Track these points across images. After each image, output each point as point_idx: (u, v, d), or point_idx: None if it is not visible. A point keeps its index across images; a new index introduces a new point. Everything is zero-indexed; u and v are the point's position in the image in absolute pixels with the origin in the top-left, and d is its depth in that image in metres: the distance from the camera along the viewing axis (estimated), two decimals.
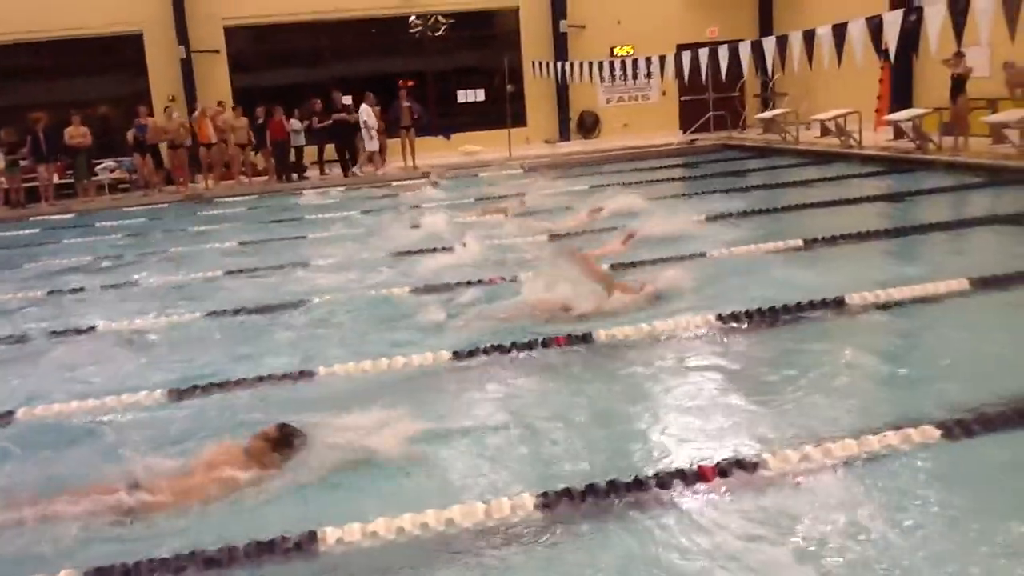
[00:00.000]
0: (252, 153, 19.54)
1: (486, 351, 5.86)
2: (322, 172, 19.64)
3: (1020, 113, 13.35)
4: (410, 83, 20.57)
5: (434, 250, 9.75)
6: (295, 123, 19.11)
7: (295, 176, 19.26)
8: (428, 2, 22.92)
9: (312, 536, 3.57)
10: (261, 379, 5.63)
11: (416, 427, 4.56)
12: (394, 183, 18.01)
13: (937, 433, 4.10)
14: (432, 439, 4.52)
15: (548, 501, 3.71)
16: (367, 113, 18.95)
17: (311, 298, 7.77)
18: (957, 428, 4.13)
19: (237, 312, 7.55)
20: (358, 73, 22.26)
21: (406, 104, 19.60)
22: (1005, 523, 3.40)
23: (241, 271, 9.58)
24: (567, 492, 3.76)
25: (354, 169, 19.28)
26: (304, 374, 5.69)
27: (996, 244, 8.45)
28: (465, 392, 5.30)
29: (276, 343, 6.67)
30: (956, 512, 3.54)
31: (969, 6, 10.47)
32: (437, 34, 23.53)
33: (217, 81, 21.82)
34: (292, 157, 19.38)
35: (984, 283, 6.62)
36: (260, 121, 18.99)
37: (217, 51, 21.94)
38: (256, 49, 22.84)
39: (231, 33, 22.20)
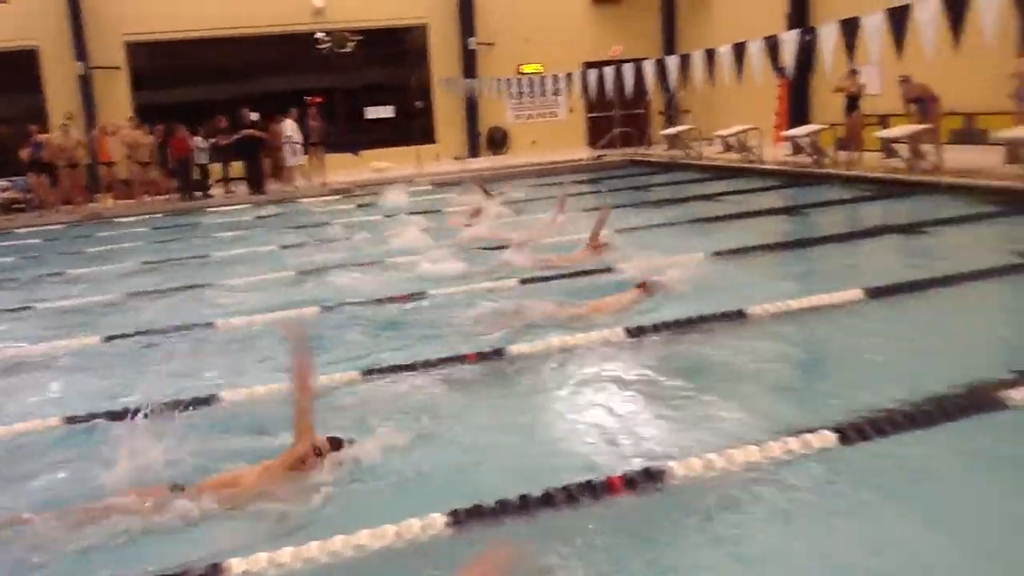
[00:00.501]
0: (155, 171, 19.06)
1: (395, 369, 5.81)
2: (227, 190, 19.26)
3: (909, 129, 13.95)
4: (318, 100, 20.37)
5: (348, 267, 9.69)
6: (199, 140, 18.71)
7: (199, 194, 18.84)
8: (336, 19, 22.76)
9: (216, 568, 3.47)
10: (165, 405, 5.46)
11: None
12: (303, 200, 17.80)
13: (834, 437, 4.22)
14: (336, 462, 4.46)
15: (459, 519, 3.69)
16: (292, 128, 18.72)
17: (216, 319, 7.60)
18: (852, 432, 4.26)
19: (137, 334, 7.33)
20: (265, 89, 21.95)
21: (313, 122, 19.41)
22: (896, 523, 3.54)
23: (144, 292, 9.32)
24: (478, 509, 3.75)
25: (277, 185, 19.02)
26: (210, 398, 5.54)
27: (888, 255, 8.79)
28: (371, 411, 5.24)
29: (179, 366, 6.49)
30: (852, 513, 3.66)
31: (859, 27, 10.91)
32: (345, 51, 23.39)
33: (118, 98, 21.25)
34: (196, 175, 18.96)
35: (877, 292, 6.88)
36: (160, 139, 18.54)
37: (118, 67, 21.36)
38: (160, 65, 22.31)
39: (133, 49, 21.66)
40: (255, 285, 9.29)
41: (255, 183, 18.89)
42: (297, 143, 18.95)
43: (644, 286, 7.16)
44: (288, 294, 8.71)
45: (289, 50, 23.10)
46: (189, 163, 18.72)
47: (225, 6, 21.47)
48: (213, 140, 18.80)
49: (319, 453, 4.23)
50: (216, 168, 19.32)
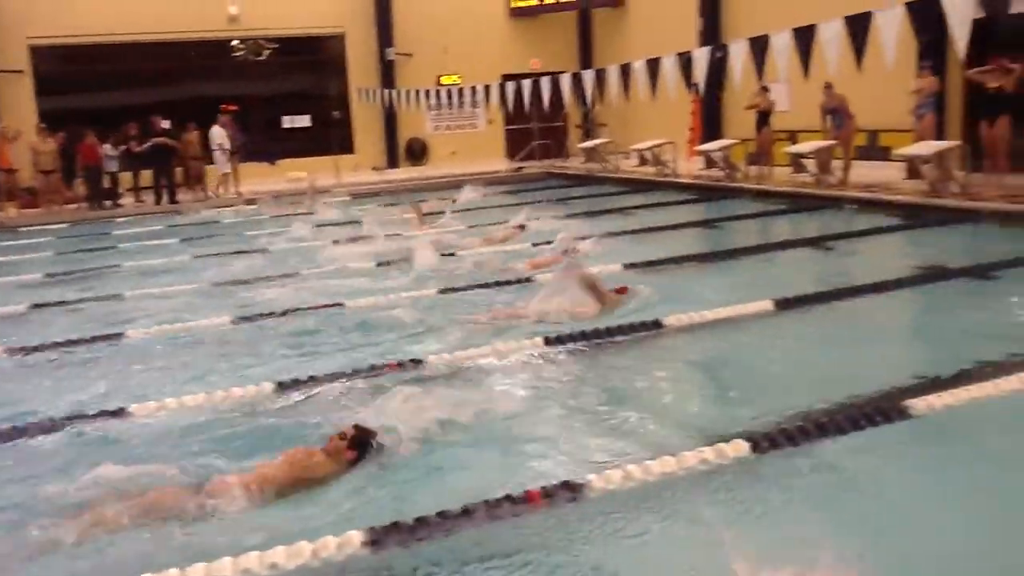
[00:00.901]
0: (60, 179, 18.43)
1: (312, 381, 5.73)
2: (138, 199, 18.75)
3: (817, 144, 14.41)
4: (232, 108, 20.02)
5: (265, 279, 9.56)
6: (108, 148, 18.17)
7: (108, 204, 18.29)
8: (252, 26, 22.41)
9: None
10: (70, 418, 5.29)
11: (231, 466, 4.41)
12: (217, 210, 17.45)
13: (747, 446, 4.31)
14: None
15: (376, 537, 3.65)
16: (220, 136, 18.36)
17: (126, 331, 7.39)
18: (764, 441, 4.36)
19: (41, 348, 7.08)
20: (178, 97, 21.48)
21: (227, 130, 19.03)
22: (807, 529, 3.64)
23: (49, 304, 9.00)
24: (395, 526, 3.71)
25: (190, 195, 18.59)
26: (119, 412, 5.38)
27: (797, 267, 9.04)
28: (287, 425, 5.16)
29: (86, 380, 6.29)
30: (766, 520, 3.75)
31: (768, 45, 11.24)
32: (261, 58, 23.04)
33: (21, 103, 20.52)
34: (106, 183, 18.41)
35: (786, 304, 7.08)
36: (62, 146, 17.94)
37: (21, 71, 20.61)
38: (67, 70, 21.63)
39: (38, 52, 20.96)
40: (167, 296, 9.07)
41: (167, 192, 18.42)
42: (227, 150, 18.60)
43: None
44: (201, 306, 8.53)
45: (203, 57, 22.65)
46: (99, 171, 18.15)
47: (136, 10, 20.94)
48: (124, 147, 18.26)
49: (344, 438, 4.43)
50: (126, 177, 18.79)
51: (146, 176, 18.78)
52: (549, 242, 10.06)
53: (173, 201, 18.29)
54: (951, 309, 7.13)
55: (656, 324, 6.65)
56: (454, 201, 14.91)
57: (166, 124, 19.02)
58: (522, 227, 11.52)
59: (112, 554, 3.76)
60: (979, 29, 9.22)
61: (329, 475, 4.32)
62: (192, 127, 18.99)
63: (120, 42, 21.24)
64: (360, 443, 4.46)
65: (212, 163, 19.17)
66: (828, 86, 13.52)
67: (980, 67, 11.79)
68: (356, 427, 4.53)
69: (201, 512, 3.98)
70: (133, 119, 18.75)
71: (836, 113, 14.09)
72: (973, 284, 7.70)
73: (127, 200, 18.71)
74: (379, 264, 10.13)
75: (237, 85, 22.72)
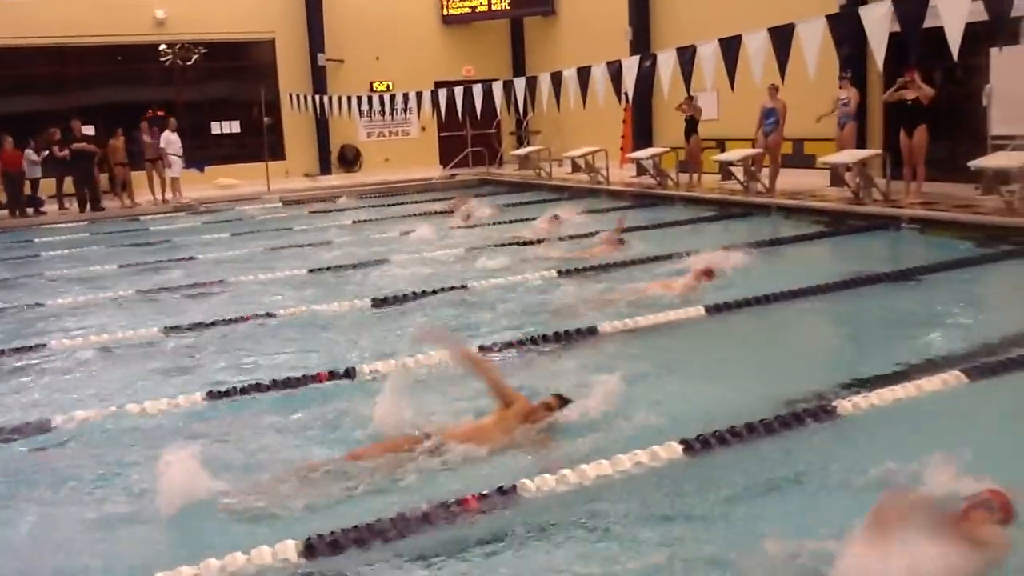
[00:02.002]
0: None
1: (243, 391, 5.67)
2: (61, 206, 18.22)
3: (745, 152, 14.72)
4: (159, 113, 19.61)
5: (191, 287, 9.41)
6: (30, 154, 17.61)
7: (31, 211, 17.75)
8: (179, 31, 22.00)
9: None
10: None
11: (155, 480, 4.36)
12: (143, 217, 17.11)
13: (680, 449, 4.40)
14: (188, 490, 4.31)
15: (312, 545, 3.63)
16: (166, 141, 18.08)
17: (48, 342, 7.21)
18: (697, 444, 4.45)
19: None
20: (102, 101, 20.98)
21: (147, 138, 18.61)
22: (740, 529, 3.73)
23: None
24: (332, 535, 3.69)
25: (116, 202, 18.16)
26: (40, 424, 5.25)
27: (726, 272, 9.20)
28: (220, 436, 5.10)
29: (5, 391, 6.14)
30: (697, 521, 3.83)
31: (696, 54, 11.45)
32: (189, 63, 22.65)
33: None
34: (28, 190, 17.85)
35: (717, 309, 7.23)
36: None
37: None
38: None
39: None
40: (92, 305, 8.87)
41: (91, 200, 17.95)
42: (177, 155, 18.24)
43: (707, 273, 7.94)
44: (126, 315, 8.37)
45: (129, 61, 22.16)
46: (20, 178, 17.58)
47: (59, 13, 20.34)
48: (46, 153, 17.73)
49: (550, 408, 4.87)
50: (49, 184, 18.25)
51: (70, 182, 18.23)
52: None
53: (97, 208, 17.84)
54: (873, 313, 7.34)
55: (592, 330, 6.74)
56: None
57: (88, 129, 18.56)
58: (557, 217, 12.14)
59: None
60: (896, 43, 9.55)
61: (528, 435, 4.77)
62: (118, 133, 18.56)
63: (42, 45, 20.63)
64: (561, 406, 4.93)
65: (140, 169, 18.77)
66: (774, 88, 13.79)
67: (895, 84, 12.22)
68: (557, 395, 5.00)
69: (431, 456, 4.49)
70: (55, 124, 18.24)
71: (772, 116, 14.39)
72: (894, 288, 7.95)
73: (51, 207, 18.15)
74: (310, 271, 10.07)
75: (165, 90, 22.28)
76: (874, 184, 12.40)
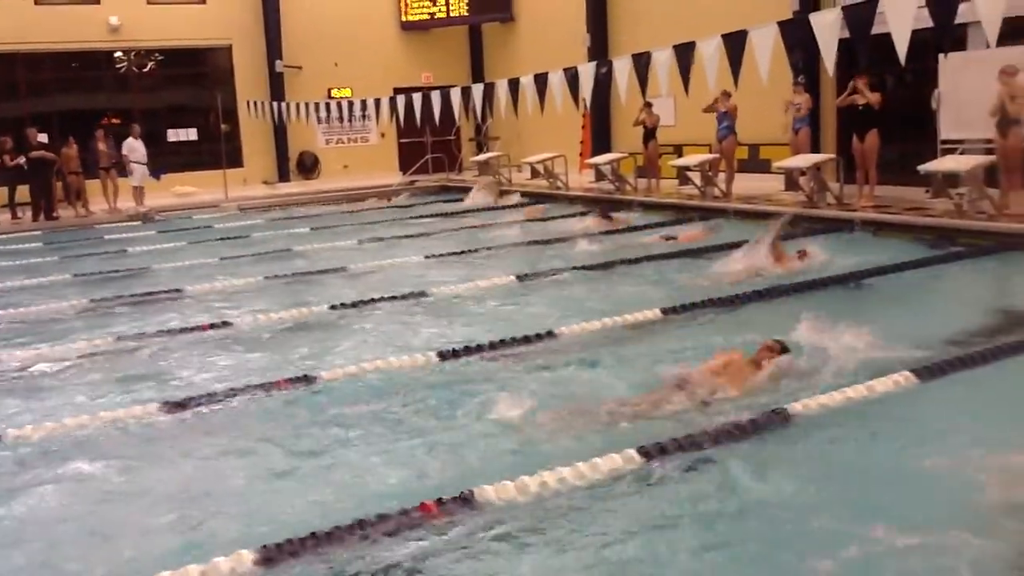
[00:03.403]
0: None
1: (201, 399, 5.62)
2: (14, 216, 17.91)
3: (701, 157, 14.88)
4: (114, 121, 19.34)
5: (146, 296, 9.34)
6: None
7: None
8: (135, 37, 21.74)
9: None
10: None
11: (118, 487, 4.32)
12: (98, 226, 16.87)
13: (638, 457, 4.41)
14: (135, 499, 4.30)
15: (269, 555, 3.61)
16: (129, 148, 17.90)
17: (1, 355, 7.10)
18: (656, 451, 4.46)
19: None
20: (56, 109, 20.66)
21: (102, 146, 18.36)
22: (701, 532, 3.78)
23: None
24: (288, 543, 3.68)
25: (70, 211, 17.89)
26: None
27: (683, 276, 9.29)
28: (178, 444, 5.06)
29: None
30: (660, 528, 3.86)
31: (651, 61, 11.56)
32: (145, 70, 22.39)
33: None
34: None
35: (675, 311, 7.31)
36: None
37: None
38: None
39: None
40: (43, 316, 8.74)
41: (45, 208, 17.66)
42: (140, 163, 17.99)
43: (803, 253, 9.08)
44: (81, 324, 8.26)
45: (83, 68, 21.86)
46: None
47: (10, 19, 20.05)
48: None
49: (772, 351, 5.57)
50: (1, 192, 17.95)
51: (24, 191, 17.90)
52: None
53: (51, 217, 17.56)
54: (827, 316, 7.40)
55: (551, 334, 6.77)
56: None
57: (43, 138, 18.27)
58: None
59: None
60: (847, 49, 9.72)
61: (756, 376, 5.45)
62: (71, 141, 18.28)
63: None
64: (783, 351, 5.61)
65: (92, 178, 18.52)
66: (726, 94, 13.98)
67: (844, 91, 12.44)
68: (777, 341, 5.68)
69: (692, 396, 5.21)
70: (7, 132, 17.94)
71: (724, 121, 14.57)
72: (848, 291, 8.08)
73: (2, 216, 17.83)
74: (267, 278, 9.99)
75: (121, 98, 22.01)
76: (828, 188, 12.59)
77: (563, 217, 14.41)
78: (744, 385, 5.36)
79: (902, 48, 8.14)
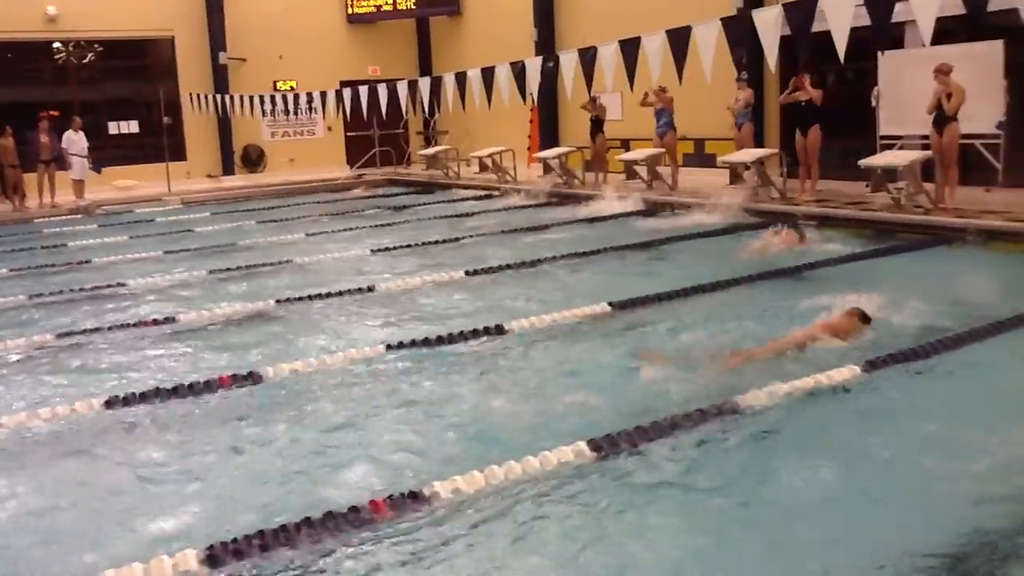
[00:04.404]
0: None
1: (142, 398, 5.54)
2: None
3: (648, 151, 15.01)
4: (54, 113, 18.88)
5: (87, 291, 9.17)
6: None
7: None
8: (73, 28, 21.25)
9: None
10: None
11: (62, 486, 4.25)
12: (36, 220, 16.49)
13: (588, 451, 4.42)
14: (80, 496, 4.25)
15: (215, 553, 3.57)
16: (68, 141, 17.58)
17: None
18: (606, 444, 4.50)
19: None
20: None
21: (44, 139, 17.93)
22: (651, 525, 3.83)
23: None
24: (234, 543, 3.64)
25: (5, 205, 17.46)
26: None
27: (630, 270, 9.38)
28: (120, 442, 4.98)
29: None
30: (606, 521, 3.90)
31: (597, 56, 11.64)
32: (85, 62, 21.91)
33: None
34: None
35: (622, 306, 7.37)
36: None
37: None
38: None
39: None
40: None
41: None
42: (80, 155, 17.59)
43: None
44: (19, 320, 8.08)
45: (20, 59, 21.31)
46: None
47: None
48: None
49: (853, 316, 6.03)
50: None
51: None
52: None
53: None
54: (768, 307, 7.53)
55: (499, 329, 6.78)
56: None
57: None
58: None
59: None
60: (789, 46, 9.90)
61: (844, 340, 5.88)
62: (8, 132, 17.81)
63: None
64: (864, 320, 6.03)
65: (29, 172, 18.07)
66: (662, 89, 14.18)
67: (789, 87, 12.66)
68: (857, 309, 6.11)
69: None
70: None
71: (663, 116, 14.74)
72: (789, 283, 8.22)
73: None
74: (210, 272, 9.86)
75: (60, 90, 21.49)
76: (771, 182, 12.80)
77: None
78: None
79: (841, 45, 8.32)
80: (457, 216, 14.20)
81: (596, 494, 4.11)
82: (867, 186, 12.04)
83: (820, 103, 12.34)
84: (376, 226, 13.54)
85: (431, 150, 21.38)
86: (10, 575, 3.62)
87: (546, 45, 18.99)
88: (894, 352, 5.66)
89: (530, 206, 15.08)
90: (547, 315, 7.10)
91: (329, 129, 23.88)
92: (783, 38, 9.39)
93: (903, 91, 12.47)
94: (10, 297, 9.06)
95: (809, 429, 4.82)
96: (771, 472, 4.29)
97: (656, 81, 11.34)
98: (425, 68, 24.02)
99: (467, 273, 9.12)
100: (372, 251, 10.89)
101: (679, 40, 10.27)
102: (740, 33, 9.94)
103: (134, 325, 7.52)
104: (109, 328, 7.45)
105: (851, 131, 13.77)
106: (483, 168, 18.83)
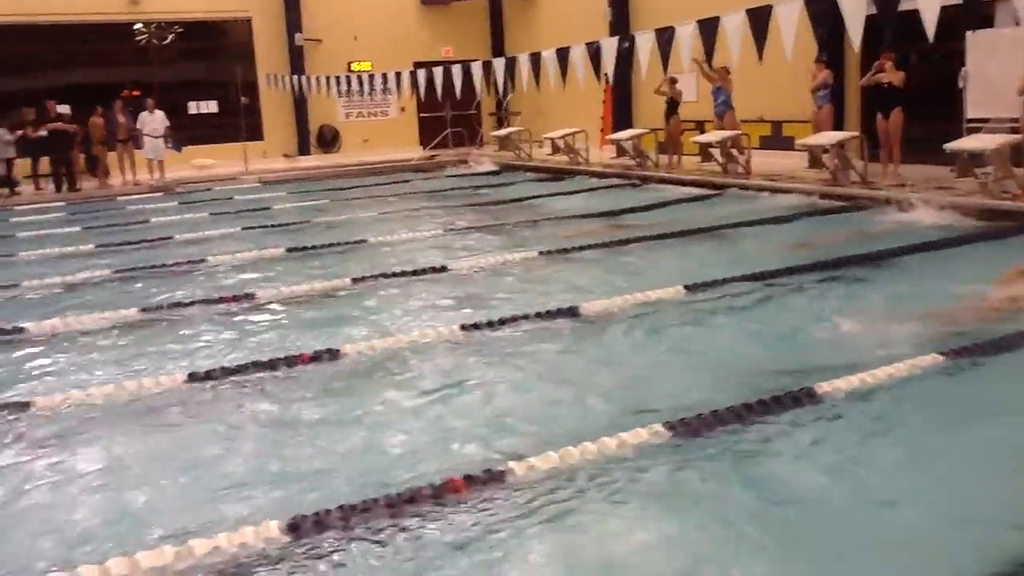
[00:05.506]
0: None
1: (226, 371, 5.67)
2: (37, 187, 18.05)
3: (723, 134, 14.77)
4: (135, 94, 19.38)
5: (169, 267, 9.40)
6: (3, 134, 17.39)
7: (5, 191, 17.55)
8: (154, 10, 21.76)
9: None
10: None
11: (142, 456, 4.41)
12: (120, 197, 16.98)
13: (667, 432, 4.41)
14: (163, 471, 4.38)
15: (296, 523, 3.64)
16: (142, 121, 18.11)
17: (24, 323, 7.15)
18: (682, 427, 4.46)
19: None
20: (76, 82, 20.70)
21: (121, 118, 18.43)
22: (733, 509, 3.79)
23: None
24: (316, 517, 3.70)
25: (92, 183, 17.99)
26: (19, 405, 5.24)
27: (705, 253, 9.26)
28: (201, 415, 5.11)
29: None
30: (689, 502, 3.85)
31: (674, 36, 11.47)
32: (165, 43, 22.41)
33: None
34: (2, 171, 17.65)
35: (696, 288, 7.27)
36: None
37: None
38: None
39: None
40: (67, 286, 8.82)
41: (67, 179, 17.78)
42: (155, 136, 18.07)
43: None
44: (105, 295, 8.33)
45: (103, 41, 21.90)
46: None
47: None
48: (20, 133, 17.51)
49: None
50: (23, 164, 18.05)
51: (46, 163, 18.04)
52: None
53: (73, 188, 17.69)
54: (853, 294, 7.34)
55: (572, 311, 6.76)
56: None
57: (64, 109, 18.35)
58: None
59: None
60: (873, 25, 9.60)
61: None
62: (99, 111, 18.38)
63: (15, 23, 20.36)
64: None
65: (114, 150, 18.64)
66: (724, 69, 13.96)
67: (872, 69, 12.31)
68: None
69: None
70: (28, 104, 18.03)
71: (720, 95, 14.49)
72: (870, 270, 8.01)
73: (26, 188, 17.97)
74: (289, 250, 10.03)
75: (141, 70, 22.04)
76: (852, 166, 12.48)
77: None
78: None
79: (931, 24, 8.05)
80: (531, 197, 14.18)
81: (674, 478, 4.07)
82: (952, 170, 11.68)
83: (903, 86, 11.98)
84: (449, 206, 13.61)
85: (503, 131, 21.37)
86: (104, 538, 3.74)
87: (620, 25, 18.77)
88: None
89: (606, 188, 14.97)
90: (621, 297, 7.06)
91: (402, 110, 24.05)
92: (866, 17, 9.12)
93: (992, 72, 12.02)
94: (96, 272, 9.36)
95: None
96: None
97: (737, 62, 11.07)
98: (497, 49, 23.98)
99: (541, 253, 9.12)
100: (445, 231, 10.95)
101: (759, 19, 10.07)
102: (823, 12, 9.68)
103: (214, 301, 7.69)
104: (190, 303, 7.64)
105: (936, 113, 13.33)
106: (555, 150, 18.75)
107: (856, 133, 13.40)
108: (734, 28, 10.50)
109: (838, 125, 13.93)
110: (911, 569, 3.36)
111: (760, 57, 10.40)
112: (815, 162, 13.61)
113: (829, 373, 5.04)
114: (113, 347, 6.63)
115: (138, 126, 18.21)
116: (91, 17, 21.10)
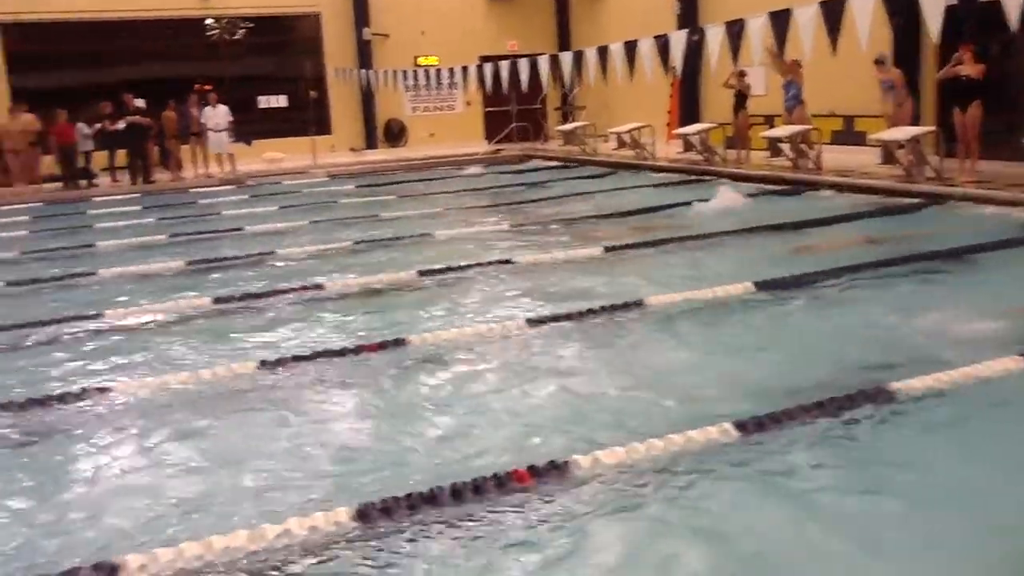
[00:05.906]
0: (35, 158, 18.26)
1: (296, 359, 5.76)
2: (114, 179, 18.56)
3: (792, 129, 14.51)
4: (207, 88, 19.80)
5: (240, 258, 9.58)
6: (82, 127, 17.94)
7: (84, 183, 18.11)
8: (226, 5, 22.19)
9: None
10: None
11: (217, 444, 4.49)
12: (192, 190, 17.37)
13: (735, 431, 4.35)
14: (238, 457, 4.46)
15: (365, 510, 3.68)
16: (205, 116, 18.42)
17: (103, 311, 7.35)
18: (752, 425, 4.38)
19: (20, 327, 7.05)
20: (149, 76, 21.21)
21: (194, 112, 18.84)
22: (817, 504, 3.73)
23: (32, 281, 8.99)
24: (384, 503, 3.74)
25: (166, 175, 18.47)
26: (99, 390, 5.39)
27: (774, 249, 9.11)
28: (273, 403, 5.20)
29: (56, 360, 6.30)
30: (757, 502, 3.80)
31: (744, 28, 11.30)
32: (236, 38, 22.84)
33: None
34: (81, 163, 18.22)
35: (765, 286, 7.16)
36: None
37: None
38: (39, 48, 21.20)
39: (8, 29, 20.61)
40: (143, 276, 9.05)
41: (143, 172, 18.26)
42: (217, 130, 18.46)
43: None
44: (179, 285, 8.53)
45: (176, 36, 22.40)
46: (74, 151, 17.97)
47: None
48: (98, 126, 18.03)
49: None
50: (101, 156, 18.58)
51: (121, 155, 18.56)
52: None
53: (148, 181, 18.14)
54: (930, 292, 7.14)
55: (638, 304, 6.72)
56: None
57: (140, 103, 18.82)
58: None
59: None
60: (950, 15, 9.34)
61: None
62: (171, 105, 18.83)
63: (92, 20, 20.94)
64: None
65: (186, 143, 19.08)
66: (796, 63, 13.70)
67: (951, 61, 11.96)
68: None
69: None
70: (105, 98, 18.54)
71: (792, 89, 14.22)
72: (946, 268, 7.80)
73: (103, 179, 18.50)
74: (357, 243, 10.14)
75: (212, 65, 22.49)
76: (927, 162, 12.15)
77: None
78: None
79: (1014, 13, 7.79)
80: (597, 192, 14.11)
81: (741, 475, 4.01)
82: None
83: (982, 78, 11.63)
84: (514, 202, 13.62)
85: (569, 125, 21.30)
86: (176, 522, 3.83)
87: (688, 18, 18.55)
88: None
89: (670, 184, 14.84)
90: (687, 292, 6.99)
91: (468, 104, 24.14)
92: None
93: None
94: (170, 263, 9.59)
95: None
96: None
97: (807, 54, 10.85)
98: (563, 43, 23.91)
99: (606, 249, 9.07)
100: (511, 226, 10.96)
101: (833, 11, 9.86)
102: (900, 3, 9.45)
103: (284, 291, 7.82)
104: (261, 294, 7.78)
105: (1016, 107, 12.91)
106: (621, 144, 18.63)
107: (932, 128, 13.04)
108: (806, 20, 10.32)
109: (913, 120, 13.58)
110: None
111: (834, 49, 10.20)
112: (888, 158, 13.29)
113: (904, 371, 4.92)
114: (187, 335, 6.78)
115: (202, 120, 18.57)
116: (164, 13, 21.60)
